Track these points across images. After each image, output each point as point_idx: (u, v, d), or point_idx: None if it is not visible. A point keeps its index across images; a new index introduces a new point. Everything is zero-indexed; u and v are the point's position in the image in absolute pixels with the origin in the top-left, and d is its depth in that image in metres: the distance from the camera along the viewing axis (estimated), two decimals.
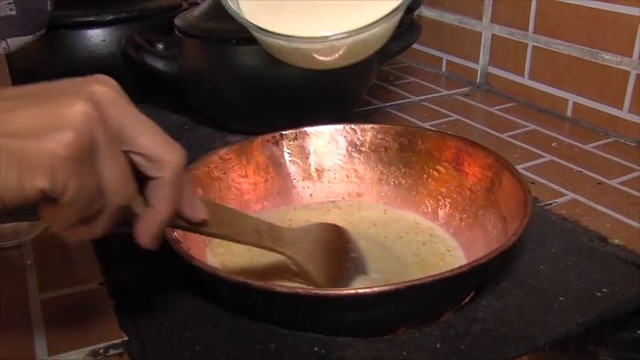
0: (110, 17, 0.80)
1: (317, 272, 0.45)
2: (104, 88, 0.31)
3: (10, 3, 0.54)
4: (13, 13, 0.55)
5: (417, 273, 0.49)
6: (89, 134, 0.29)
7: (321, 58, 0.51)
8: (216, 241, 0.51)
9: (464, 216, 0.54)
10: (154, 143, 0.33)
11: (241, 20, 0.48)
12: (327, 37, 0.47)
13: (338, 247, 0.48)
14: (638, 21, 0.71)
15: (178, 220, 0.37)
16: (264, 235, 0.43)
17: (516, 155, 0.70)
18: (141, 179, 0.33)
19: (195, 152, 0.70)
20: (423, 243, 0.53)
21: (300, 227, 0.50)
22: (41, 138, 0.28)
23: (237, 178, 0.57)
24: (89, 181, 0.30)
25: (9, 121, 0.28)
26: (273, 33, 0.47)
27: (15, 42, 0.58)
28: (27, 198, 0.28)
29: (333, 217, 0.57)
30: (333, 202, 0.60)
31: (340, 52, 0.50)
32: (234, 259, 0.51)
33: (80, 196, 0.29)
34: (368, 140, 0.61)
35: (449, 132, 0.74)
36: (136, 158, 0.33)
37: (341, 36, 0.46)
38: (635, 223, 0.56)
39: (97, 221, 0.32)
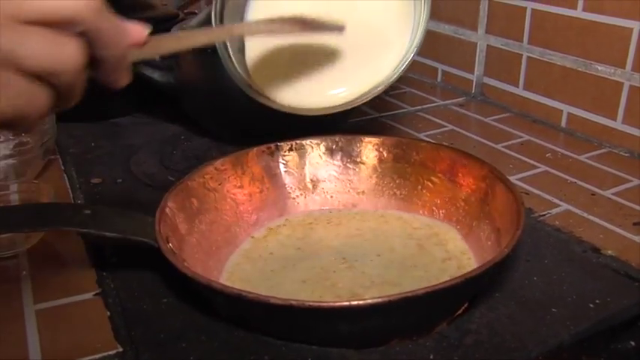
0: None
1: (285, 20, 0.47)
2: None
3: None
4: None
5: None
6: None
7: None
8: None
9: (458, 227, 0.55)
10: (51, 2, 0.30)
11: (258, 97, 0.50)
12: (339, 105, 0.49)
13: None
14: (631, 32, 0.71)
15: (129, 51, 0.36)
16: (214, 31, 0.44)
17: (511, 166, 0.71)
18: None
19: (191, 163, 0.70)
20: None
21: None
22: None
23: (233, 189, 0.57)
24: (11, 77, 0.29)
25: None
26: (290, 107, 0.49)
27: None
28: None
29: (327, 228, 0.57)
30: (329, 211, 0.60)
31: None
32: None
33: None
34: (363, 151, 0.61)
35: (444, 142, 0.75)
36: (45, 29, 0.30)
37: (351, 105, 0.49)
38: (628, 234, 0.56)
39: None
